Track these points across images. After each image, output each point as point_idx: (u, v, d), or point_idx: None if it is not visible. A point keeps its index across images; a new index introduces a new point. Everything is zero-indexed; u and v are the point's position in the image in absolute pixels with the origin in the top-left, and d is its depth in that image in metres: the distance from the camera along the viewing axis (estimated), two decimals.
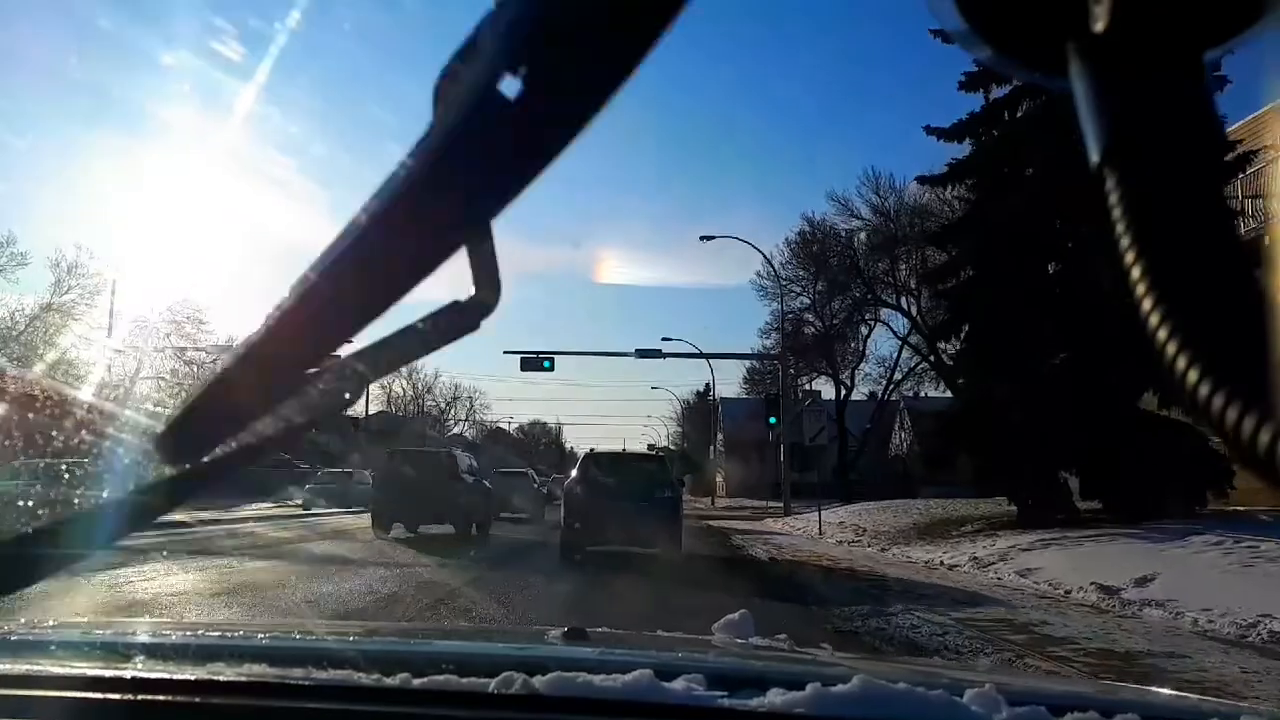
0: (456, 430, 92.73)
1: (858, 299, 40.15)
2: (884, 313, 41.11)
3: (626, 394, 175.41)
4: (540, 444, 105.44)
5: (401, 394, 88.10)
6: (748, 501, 49.21)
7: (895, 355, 44.09)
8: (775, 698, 1.10)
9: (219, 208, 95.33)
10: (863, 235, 39.50)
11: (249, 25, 78.58)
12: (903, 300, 38.60)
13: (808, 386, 48.50)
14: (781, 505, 44.44)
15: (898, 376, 45.02)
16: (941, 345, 40.23)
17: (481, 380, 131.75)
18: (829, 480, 56.84)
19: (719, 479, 53.87)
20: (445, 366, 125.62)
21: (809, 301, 44.38)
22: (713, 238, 33.79)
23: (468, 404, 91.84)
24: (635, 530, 12.92)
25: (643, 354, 33.73)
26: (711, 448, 52.26)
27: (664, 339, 33.90)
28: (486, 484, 20.40)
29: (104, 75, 71.22)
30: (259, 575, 10.42)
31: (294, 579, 10.10)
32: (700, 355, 36.90)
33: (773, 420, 32.41)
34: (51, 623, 1.79)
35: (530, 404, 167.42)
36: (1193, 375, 0.42)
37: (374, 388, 79.61)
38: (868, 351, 44.34)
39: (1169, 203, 0.46)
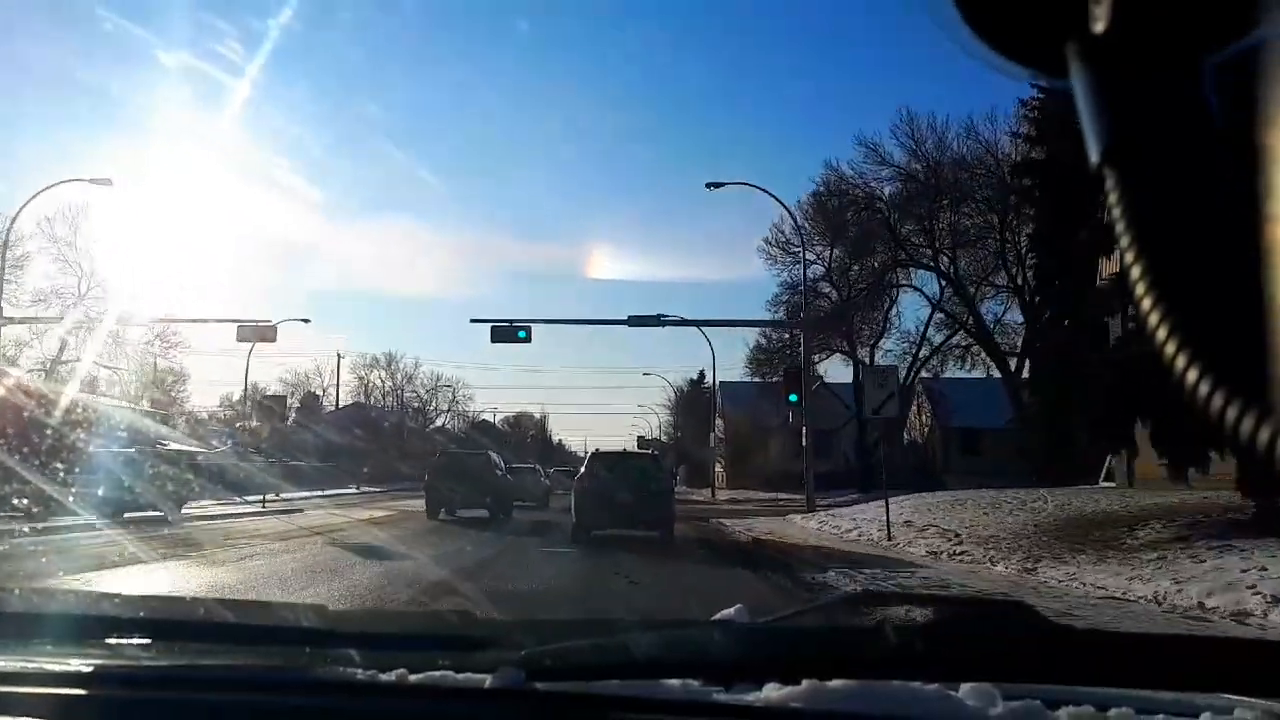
0: (439, 423, 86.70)
1: (883, 263, 34.08)
2: (916, 279, 35.17)
3: (616, 380, 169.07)
4: (527, 436, 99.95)
5: (380, 384, 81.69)
6: (753, 493, 43.09)
7: (922, 328, 38.02)
8: (771, 692, 1.07)
9: (216, 205, 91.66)
10: (888, 190, 33.52)
11: (247, 25, 73.84)
12: (940, 260, 32.60)
13: (812, 369, 42.54)
14: (799, 498, 38.44)
15: (924, 353, 38.96)
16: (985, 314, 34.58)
17: (465, 368, 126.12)
18: (842, 469, 50.86)
19: (719, 469, 47.77)
20: (426, 356, 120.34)
21: (824, 270, 38.42)
22: (722, 184, 27.66)
23: (450, 395, 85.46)
24: (634, 517, 14.73)
25: (636, 321, 27.61)
26: (711, 434, 46.20)
27: (660, 315, 27.40)
28: (509, 477, 23.72)
29: (102, 75, 67.27)
30: None
31: None
32: (700, 323, 30.80)
33: (793, 397, 26.31)
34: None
35: (515, 392, 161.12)
36: (1193, 374, 0.42)
37: (350, 377, 73.34)
38: (892, 324, 38.19)
39: (1169, 203, 0.45)
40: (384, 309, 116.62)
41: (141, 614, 1.36)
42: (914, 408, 48.61)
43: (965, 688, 1.10)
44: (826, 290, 38.33)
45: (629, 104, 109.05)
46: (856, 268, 34.58)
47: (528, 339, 27.40)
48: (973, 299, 32.53)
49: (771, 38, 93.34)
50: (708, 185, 27.57)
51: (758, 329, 40.09)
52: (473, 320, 27.75)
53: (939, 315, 38.27)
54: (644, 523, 14.78)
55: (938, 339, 38.93)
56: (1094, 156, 0.47)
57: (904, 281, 35.39)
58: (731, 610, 1.49)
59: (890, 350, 40.39)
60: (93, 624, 1.28)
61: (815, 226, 37.82)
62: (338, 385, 65.41)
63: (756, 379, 45.33)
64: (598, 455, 17.28)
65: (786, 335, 38.36)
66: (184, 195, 72.37)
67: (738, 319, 35.31)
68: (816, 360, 41.48)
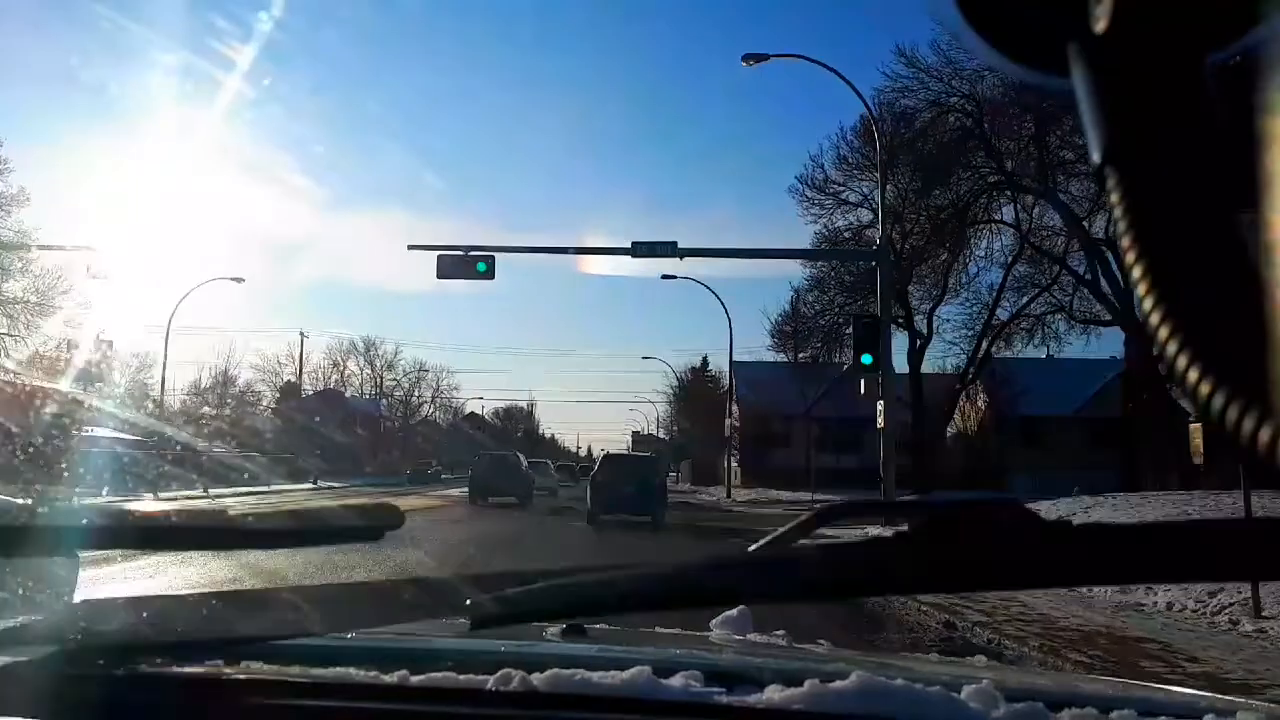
0: (425, 413, 77.93)
1: (969, 190, 25.18)
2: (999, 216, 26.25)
3: (613, 364, 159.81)
4: (518, 430, 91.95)
5: (358, 372, 72.47)
6: (775, 494, 34.33)
7: (996, 289, 29.11)
8: (773, 694, 1.04)
9: (214, 202, 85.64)
10: (980, 88, 24.46)
11: (248, 23, 67.29)
12: (1050, 184, 23.66)
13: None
14: (838, 500, 29.60)
15: (1001, 316, 29.86)
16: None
17: (456, 350, 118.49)
18: (876, 465, 41.93)
19: (734, 464, 38.85)
20: (416, 350, 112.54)
21: (871, 215, 29.54)
22: (765, 57, 18.85)
23: (434, 383, 76.56)
24: (635, 506, 18.10)
25: (642, 250, 18.78)
26: (726, 421, 37.46)
27: (675, 243, 18.24)
28: (530, 472, 29.17)
29: (102, 72, 63.98)
30: None
31: None
32: (727, 254, 21.90)
33: (866, 359, 17.53)
34: (42, 615, 1.48)
35: (503, 378, 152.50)
36: (1193, 374, 0.41)
37: (326, 364, 64.18)
38: (964, 277, 29.19)
39: (1170, 203, 0.45)
40: (377, 303, 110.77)
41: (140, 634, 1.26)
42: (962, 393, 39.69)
43: (968, 690, 1.07)
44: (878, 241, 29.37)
45: (629, 94, 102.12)
46: (926, 198, 25.64)
47: (488, 273, 18.59)
48: (1088, 233, 23.73)
49: None
50: (745, 58, 18.75)
51: (790, 298, 31.43)
52: (411, 247, 18.88)
53: (1016, 272, 29.40)
54: (643, 510, 17.83)
55: (1009, 305, 29.96)
56: (1095, 156, 0.46)
57: (992, 217, 26.49)
58: (734, 612, 1.52)
59: (952, 319, 31.49)
60: (110, 633, 1.17)
61: (864, 160, 28.98)
62: (300, 368, 56.34)
63: (782, 357, 36.58)
64: (608, 457, 21.40)
65: (837, 283, 29.48)
66: (172, 185, 65.65)
67: (777, 248, 26.41)
68: (852, 331, 32.56)
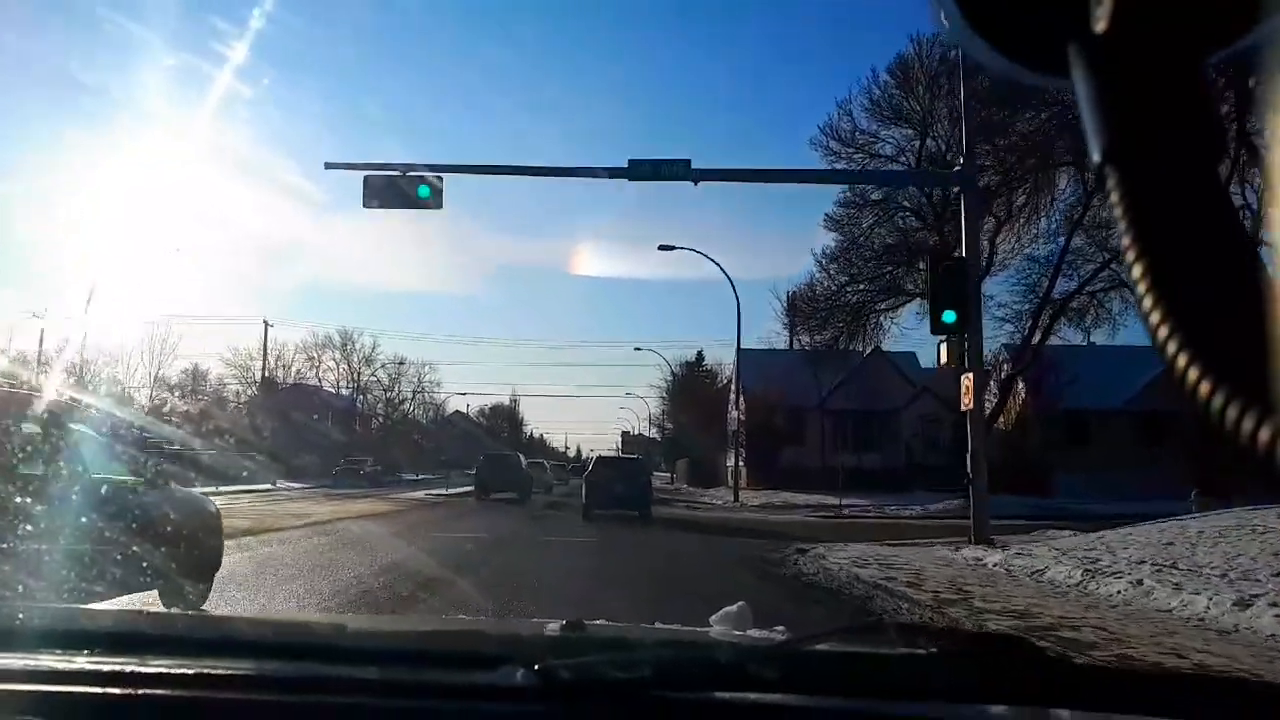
0: (406, 409, 72.63)
1: (1031, 134, 20.23)
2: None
3: (603, 357, 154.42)
4: (503, 430, 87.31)
5: (334, 367, 66.98)
6: (787, 496, 29.21)
7: (1057, 253, 24.07)
8: (774, 690, 1.05)
9: (212, 203, 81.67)
10: None
11: (247, 23, 63.58)
12: None
13: (882, 321, 28.65)
14: (868, 503, 24.43)
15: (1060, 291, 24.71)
16: None
17: (433, 339, 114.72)
18: (902, 464, 36.65)
19: (740, 464, 33.64)
20: (381, 334, 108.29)
21: (911, 162, 24.58)
22: None
23: (415, 379, 71.21)
24: (625, 502, 19.43)
25: (640, 171, 13.60)
26: (733, 413, 32.29)
27: (689, 161, 12.88)
28: (529, 470, 30.56)
29: (99, 73, 60.29)
30: None
31: None
32: (758, 176, 16.72)
33: (949, 316, 12.48)
34: (26, 610, 1.48)
35: (489, 373, 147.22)
36: (1193, 374, 0.41)
37: (301, 358, 58.97)
38: (1031, 228, 24.20)
39: (1170, 202, 0.45)
40: (371, 304, 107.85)
41: (159, 627, 1.32)
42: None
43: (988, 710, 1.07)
44: (914, 202, 24.37)
45: (630, 93, 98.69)
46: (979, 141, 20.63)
47: (432, 200, 13.46)
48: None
49: None
50: None
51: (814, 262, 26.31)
52: (328, 166, 13.73)
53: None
54: (631, 505, 19.25)
55: (1064, 280, 24.94)
56: (1095, 155, 0.46)
57: (1064, 160, 21.51)
58: (734, 608, 1.49)
59: (997, 296, 26.40)
60: (107, 635, 1.20)
61: (902, 104, 23.89)
62: (264, 359, 50.91)
63: (793, 338, 31.41)
64: (601, 459, 23.63)
65: (869, 248, 24.39)
66: (168, 183, 62.66)
67: (816, 169, 21.18)
68: (883, 306, 27.42)
